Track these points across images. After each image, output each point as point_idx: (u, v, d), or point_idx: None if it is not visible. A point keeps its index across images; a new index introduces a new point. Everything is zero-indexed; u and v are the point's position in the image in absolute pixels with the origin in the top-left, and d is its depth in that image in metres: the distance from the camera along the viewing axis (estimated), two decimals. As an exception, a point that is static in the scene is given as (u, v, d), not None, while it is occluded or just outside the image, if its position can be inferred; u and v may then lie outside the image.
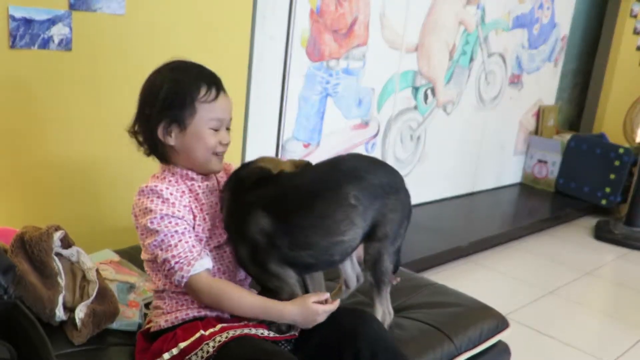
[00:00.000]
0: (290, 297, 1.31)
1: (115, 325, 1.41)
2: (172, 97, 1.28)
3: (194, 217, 1.33)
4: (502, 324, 1.70)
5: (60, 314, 1.31)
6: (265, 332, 1.29)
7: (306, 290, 1.42)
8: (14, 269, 1.24)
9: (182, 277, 1.26)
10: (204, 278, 1.28)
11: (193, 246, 1.28)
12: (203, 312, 1.30)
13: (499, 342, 1.70)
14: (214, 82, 1.32)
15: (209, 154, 1.33)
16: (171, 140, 1.30)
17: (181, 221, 1.29)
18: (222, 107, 1.32)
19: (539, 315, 2.59)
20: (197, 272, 1.27)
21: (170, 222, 1.27)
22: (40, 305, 1.28)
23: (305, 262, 1.34)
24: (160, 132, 1.29)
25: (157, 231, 1.26)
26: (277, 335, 1.31)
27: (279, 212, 1.30)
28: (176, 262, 1.26)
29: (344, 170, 1.36)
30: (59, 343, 1.29)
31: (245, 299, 1.30)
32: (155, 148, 1.33)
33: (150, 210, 1.27)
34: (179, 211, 1.28)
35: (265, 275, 1.34)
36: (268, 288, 1.35)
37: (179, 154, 1.32)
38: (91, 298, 1.36)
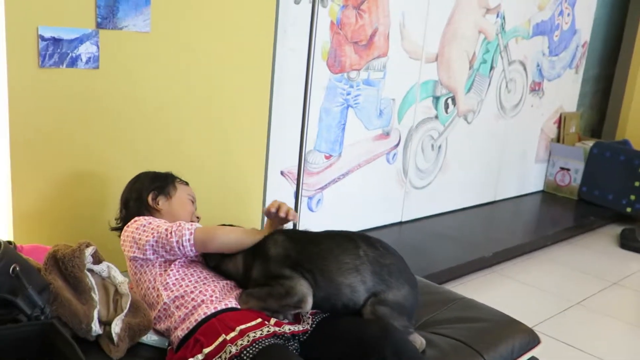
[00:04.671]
0: (299, 299, 1.38)
1: (145, 339, 1.43)
2: (157, 177, 1.71)
3: None
4: (533, 339, 1.67)
5: (96, 328, 1.32)
6: (285, 328, 1.36)
7: None
8: (49, 287, 1.26)
9: (190, 231, 1.43)
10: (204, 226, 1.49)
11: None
12: (212, 307, 1.37)
13: (531, 359, 1.68)
14: (183, 180, 1.77)
15: (190, 217, 1.68)
16: (159, 206, 1.65)
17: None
18: (192, 192, 1.74)
19: (566, 327, 2.55)
20: (198, 225, 1.48)
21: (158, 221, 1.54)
22: (76, 321, 1.29)
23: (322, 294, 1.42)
24: (150, 198, 1.64)
25: (150, 224, 1.50)
26: (294, 329, 1.38)
27: (294, 237, 1.51)
28: (179, 225, 1.45)
29: (358, 234, 1.54)
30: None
31: (236, 230, 1.54)
32: (139, 211, 1.63)
33: (142, 224, 1.51)
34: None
35: (278, 280, 1.41)
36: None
37: (163, 217, 1.61)
38: (125, 311, 1.38)
